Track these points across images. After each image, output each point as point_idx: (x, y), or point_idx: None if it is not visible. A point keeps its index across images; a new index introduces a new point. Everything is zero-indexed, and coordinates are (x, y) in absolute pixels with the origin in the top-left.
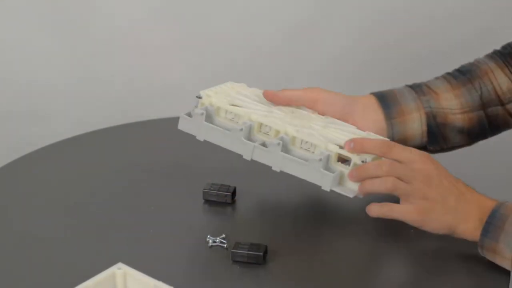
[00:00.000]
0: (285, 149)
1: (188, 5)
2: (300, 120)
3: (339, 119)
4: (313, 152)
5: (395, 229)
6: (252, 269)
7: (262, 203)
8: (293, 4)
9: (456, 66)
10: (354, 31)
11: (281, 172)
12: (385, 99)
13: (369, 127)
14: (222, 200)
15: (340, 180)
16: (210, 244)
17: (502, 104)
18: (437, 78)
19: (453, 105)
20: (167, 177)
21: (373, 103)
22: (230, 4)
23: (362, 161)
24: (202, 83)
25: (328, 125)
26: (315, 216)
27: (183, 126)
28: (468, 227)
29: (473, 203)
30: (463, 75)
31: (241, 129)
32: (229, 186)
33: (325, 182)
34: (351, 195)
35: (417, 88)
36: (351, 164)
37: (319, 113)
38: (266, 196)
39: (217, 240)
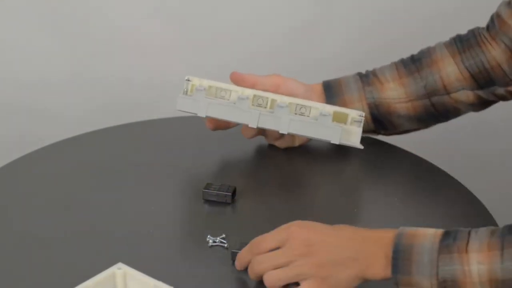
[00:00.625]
0: (287, 109)
1: (188, 5)
2: (286, 98)
3: None
4: (308, 116)
5: None
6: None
7: (262, 203)
8: (293, 4)
9: None
10: (354, 31)
11: (282, 170)
12: (330, 89)
13: None
14: (222, 200)
15: (344, 135)
16: (210, 244)
17: (447, 93)
18: (390, 64)
19: (398, 95)
20: (167, 177)
21: (320, 92)
22: (231, 4)
23: (359, 115)
24: None
25: (303, 100)
26: (315, 216)
27: (182, 105)
28: (376, 270)
29: (369, 243)
30: (413, 63)
31: (247, 98)
32: (229, 186)
33: (335, 136)
34: (361, 147)
35: (363, 78)
36: (349, 120)
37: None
38: (266, 196)
39: (217, 240)
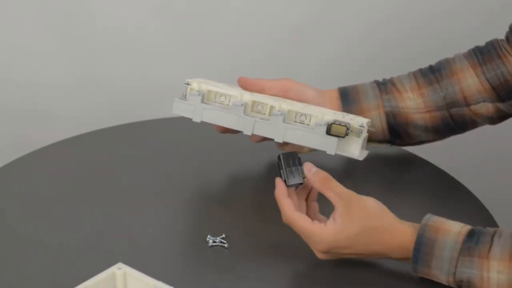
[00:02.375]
0: (282, 116)
1: (189, 5)
2: (283, 102)
3: None
4: (308, 124)
5: None
6: (252, 268)
7: (262, 203)
8: (293, 5)
9: None
10: (354, 32)
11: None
12: (346, 96)
13: None
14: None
15: (342, 145)
16: (210, 244)
17: (467, 105)
18: (408, 74)
19: (416, 105)
20: (167, 177)
21: (336, 98)
22: (231, 4)
23: (360, 125)
24: None
25: (308, 106)
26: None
27: (178, 109)
28: (397, 257)
29: (394, 242)
30: (432, 74)
31: (242, 104)
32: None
33: (330, 146)
34: (361, 158)
35: (381, 86)
36: (349, 127)
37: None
38: (267, 197)
39: (217, 240)
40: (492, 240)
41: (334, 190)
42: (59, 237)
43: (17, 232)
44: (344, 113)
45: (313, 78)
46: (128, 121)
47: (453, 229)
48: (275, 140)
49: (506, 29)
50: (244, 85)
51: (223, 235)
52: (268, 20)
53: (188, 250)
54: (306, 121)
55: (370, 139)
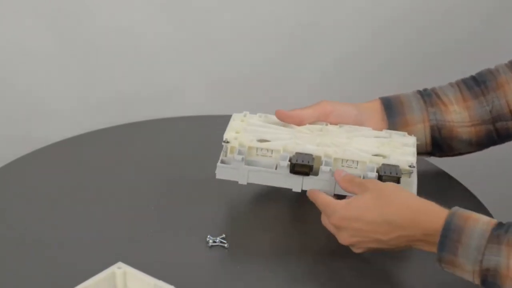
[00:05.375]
0: (331, 172)
1: (189, 6)
2: (324, 137)
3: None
4: (356, 168)
5: None
6: (252, 268)
7: (263, 203)
8: (296, 6)
9: (460, 71)
10: (355, 35)
11: None
12: (391, 108)
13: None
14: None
15: None
16: (210, 244)
17: None
18: (451, 85)
19: (461, 118)
20: (167, 177)
21: (380, 110)
22: (232, 5)
23: (410, 166)
24: (202, 83)
25: (351, 136)
26: (314, 213)
27: (221, 175)
28: (420, 244)
29: (420, 225)
30: (478, 86)
31: (288, 166)
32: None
33: None
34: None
35: (426, 97)
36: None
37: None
38: (267, 197)
39: (217, 240)
40: None
41: (359, 182)
42: (59, 237)
43: (16, 232)
44: (388, 133)
45: (316, 80)
46: (128, 121)
47: (482, 219)
48: (328, 193)
49: None
50: (282, 118)
51: (223, 235)
52: (270, 21)
53: (188, 250)
54: (353, 165)
55: None
